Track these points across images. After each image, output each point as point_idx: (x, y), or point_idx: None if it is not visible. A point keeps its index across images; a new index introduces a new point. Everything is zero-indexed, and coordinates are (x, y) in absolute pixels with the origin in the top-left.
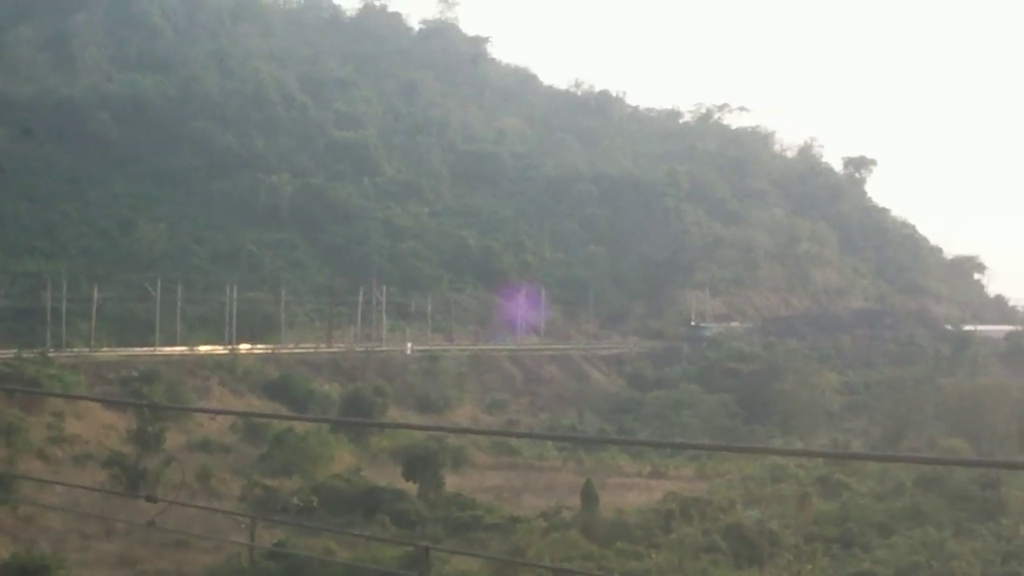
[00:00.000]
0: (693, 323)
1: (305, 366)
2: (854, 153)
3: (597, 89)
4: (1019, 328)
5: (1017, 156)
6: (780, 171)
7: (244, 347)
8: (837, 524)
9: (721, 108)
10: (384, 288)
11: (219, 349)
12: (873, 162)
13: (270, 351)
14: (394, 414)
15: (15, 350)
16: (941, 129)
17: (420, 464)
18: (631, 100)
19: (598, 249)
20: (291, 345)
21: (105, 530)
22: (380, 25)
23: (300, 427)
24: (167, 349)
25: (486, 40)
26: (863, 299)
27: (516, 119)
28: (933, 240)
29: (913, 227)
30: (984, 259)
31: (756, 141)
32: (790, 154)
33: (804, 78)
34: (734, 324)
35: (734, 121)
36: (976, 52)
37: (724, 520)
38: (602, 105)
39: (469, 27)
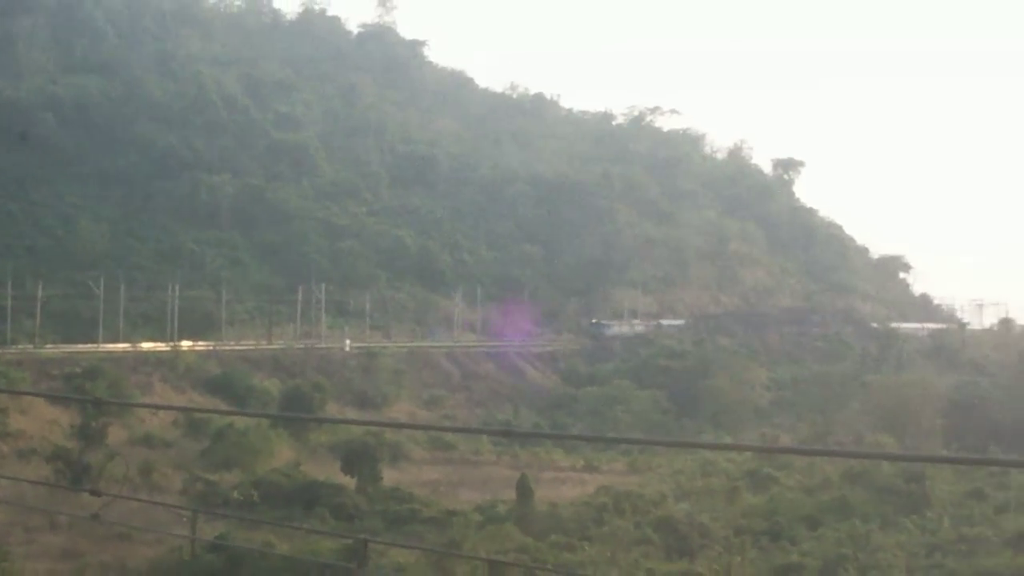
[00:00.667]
0: (594, 320)
1: (246, 363)
2: (782, 155)
3: (532, 92)
4: (943, 326)
5: (941, 156)
6: (710, 172)
7: (186, 344)
8: (766, 517)
9: (653, 111)
10: (323, 286)
11: (161, 346)
12: (801, 163)
13: (211, 348)
14: (333, 409)
15: None
16: (866, 130)
17: (358, 459)
18: (565, 103)
19: (533, 248)
20: (232, 342)
21: (49, 523)
22: (319, 29)
23: (241, 422)
24: (110, 346)
25: (423, 43)
26: (791, 298)
27: (452, 121)
28: (859, 240)
29: (840, 227)
30: (909, 259)
31: (687, 143)
32: (720, 156)
33: (733, 80)
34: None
35: (666, 123)
36: (896, 52)
37: (655, 513)
38: (537, 107)
39: (407, 31)
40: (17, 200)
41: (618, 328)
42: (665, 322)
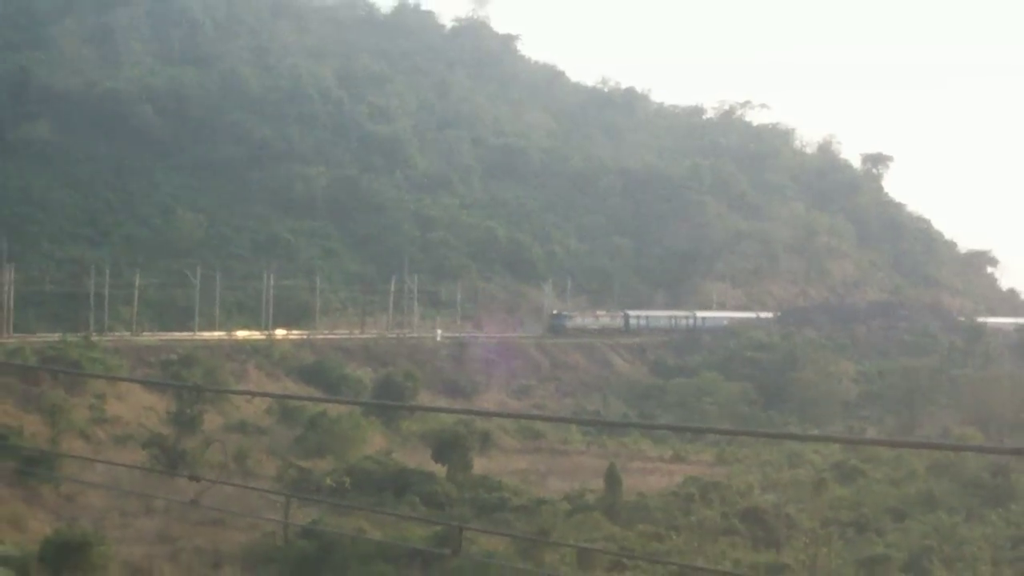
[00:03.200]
0: (555, 312)
1: (339, 351)
2: (871, 150)
3: (623, 86)
4: None
5: None
6: (800, 167)
7: (280, 332)
8: (852, 509)
9: (743, 105)
10: (415, 277)
11: (256, 334)
12: (890, 158)
13: (305, 337)
14: (424, 398)
15: (60, 334)
16: (956, 126)
17: (449, 447)
18: (656, 97)
19: (622, 240)
20: (325, 331)
21: (144, 508)
22: (413, 23)
23: (334, 410)
24: (206, 334)
25: (516, 38)
26: (879, 291)
27: (544, 114)
28: (947, 234)
29: (928, 222)
30: (997, 253)
31: (776, 137)
32: (809, 150)
33: (824, 76)
34: (631, 313)
35: (755, 118)
36: (989, 52)
37: (742, 504)
38: (628, 101)
39: (500, 25)
40: (115, 190)
41: (580, 320)
42: (631, 313)
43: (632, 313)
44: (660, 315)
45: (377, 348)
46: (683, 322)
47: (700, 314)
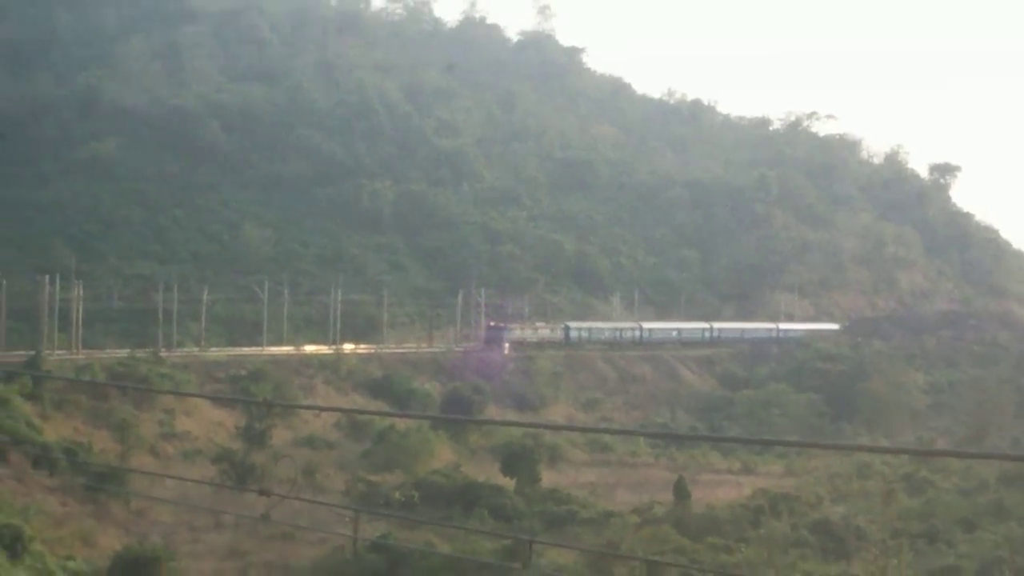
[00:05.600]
0: (491, 323)
1: (407, 365)
2: (939, 159)
3: (689, 97)
4: None
5: None
6: (867, 177)
7: (348, 347)
8: (922, 520)
9: (810, 116)
10: (482, 290)
11: (324, 349)
12: (957, 168)
13: (373, 351)
14: (492, 412)
15: (128, 350)
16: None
17: (517, 460)
18: (722, 108)
19: (689, 252)
20: (393, 345)
21: (214, 523)
22: (479, 36)
23: (402, 424)
24: (274, 349)
25: (581, 51)
26: (947, 301)
27: (610, 127)
28: (1016, 244)
29: (996, 231)
30: None
31: (843, 148)
32: (876, 161)
33: (891, 86)
34: (572, 325)
35: (822, 129)
36: None
37: (812, 515)
38: (694, 113)
39: (565, 38)
40: (183, 206)
41: (519, 332)
42: (572, 325)
43: (573, 325)
44: (603, 327)
45: (445, 362)
46: (628, 334)
47: (646, 325)
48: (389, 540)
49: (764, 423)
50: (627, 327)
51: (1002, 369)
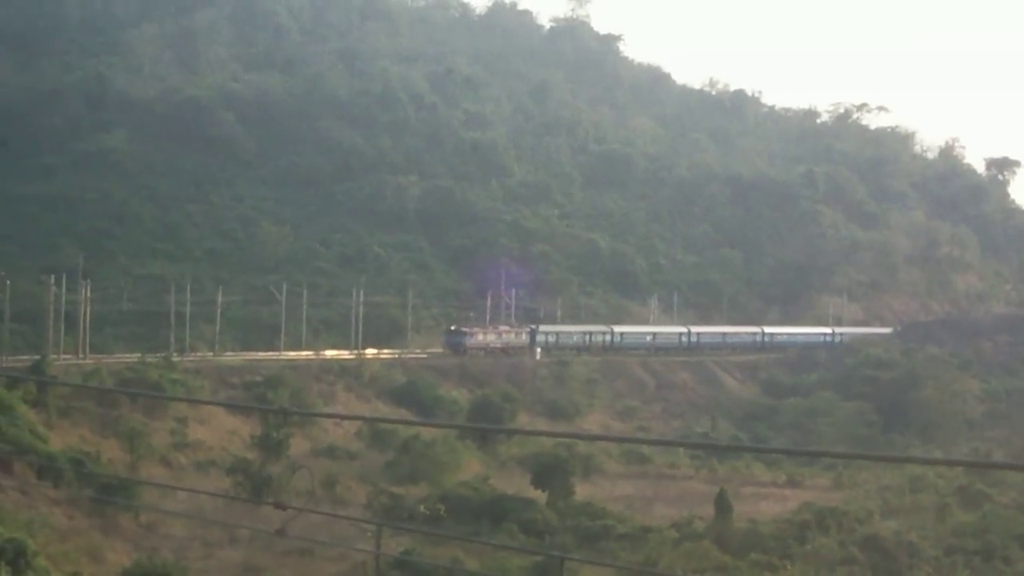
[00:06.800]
0: (452, 327)
1: (432, 371)
2: (997, 154)
3: (732, 88)
4: None
5: None
6: (920, 172)
7: (370, 352)
8: (977, 536)
9: (860, 108)
10: (513, 292)
11: (345, 354)
12: (1016, 163)
13: (396, 356)
14: (523, 420)
15: (139, 354)
16: None
17: (549, 472)
18: (767, 100)
19: (732, 252)
20: (418, 350)
21: (228, 537)
22: (510, 23)
23: (427, 434)
24: (292, 353)
25: (618, 38)
26: (1005, 304)
27: (648, 119)
28: None
29: None
30: None
31: (896, 141)
32: (931, 155)
33: (945, 77)
34: (539, 328)
35: (873, 121)
36: None
37: (861, 531)
38: (737, 105)
39: (601, 25)
40: (197, 202)
41: (482, 337)
42: (541, 329)
43: (541, 329)
44: (572, 331)
45: (473, 368)
46: (599, 339)
47: (618, 329)
48: (413, 556)
49: (811, 433)
50: (598, 331)
51: None
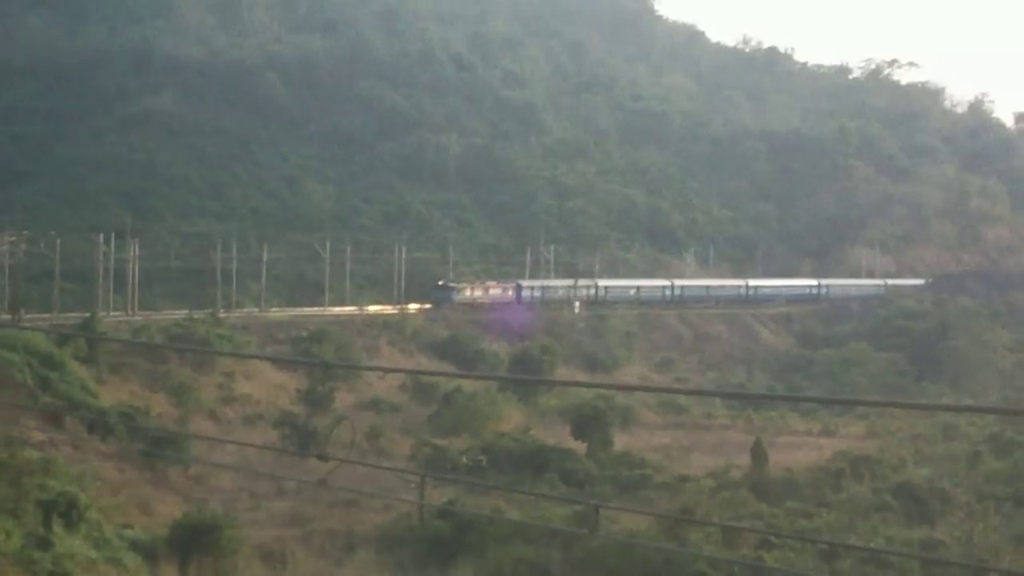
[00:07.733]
0: (440, 283)
1: (474, 325)
2: None
3: (765, 46)
4: None
5: None
6: (950, 127)
7: (413, 307)
8: (1009, 482)
9: (891, 64)
10: (552, 247)
11: (388, 309)
12: None
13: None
14: (563, 373)
15: (186, 311)
16: None
17: (589, 423)
18: (799, 57)
19: (766, 206)
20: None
21: (276, 489)
22: None
23: (469, 386)
24: (336, 309)
25: None
26: None
27: (683, 77)
28: None
29: None
30: None
31: (926, 97)
32: (960, 110)
33: (974, 33)
34: (523, 282)
35: (904, 77)
36: None
37: (894, 478)
38: (770, 62)
39: None
40: (242, 162)
41: (468, 292)
42: (524, 284)
43: (525, 284)
44: (557, 285)
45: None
46: (583, 292)
47: (602, 283)
48: (456, 506)
49: (845, 383)
50: (582, 284)
51: None
